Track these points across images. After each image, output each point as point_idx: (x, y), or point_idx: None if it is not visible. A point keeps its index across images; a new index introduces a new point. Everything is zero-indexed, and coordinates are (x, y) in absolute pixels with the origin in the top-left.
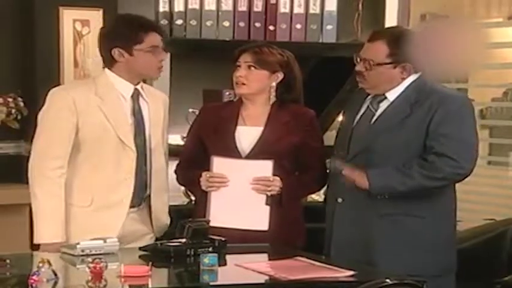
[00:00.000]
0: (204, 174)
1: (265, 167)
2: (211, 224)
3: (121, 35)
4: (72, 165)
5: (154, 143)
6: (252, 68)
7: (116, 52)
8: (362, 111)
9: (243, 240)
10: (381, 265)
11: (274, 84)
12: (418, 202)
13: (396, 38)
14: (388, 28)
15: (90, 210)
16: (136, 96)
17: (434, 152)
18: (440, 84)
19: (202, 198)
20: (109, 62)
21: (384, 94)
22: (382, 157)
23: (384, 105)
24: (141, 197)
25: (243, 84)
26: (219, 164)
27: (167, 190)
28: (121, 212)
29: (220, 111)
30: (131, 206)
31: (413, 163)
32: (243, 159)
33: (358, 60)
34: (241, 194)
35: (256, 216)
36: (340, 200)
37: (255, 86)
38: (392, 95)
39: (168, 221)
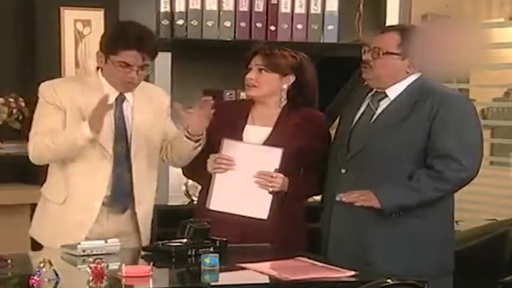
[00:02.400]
0: (211, 155)
1: (274, 154)
2: (211, 207)
3: (105, 41)
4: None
5: (135, 149)
6: (263, 71)
7: (98, 54)
8: (362, 109)
9: (241, 230)
10: (377, 265)
11: (285, 86)
12: None
13: (407, 31)
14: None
15: (62, 208)
16: (120, 101)
17: (438, 155)
18: (441, 84)
19: (207, 185)
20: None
21: (384, 92)
22: (382, 157)
23: (384, 104)
24: (123, 204)
25: (254, 86)
26: (229, 146)
27: (151, 200)
28: (90, 216)
29: (230, 109)
30: (111, 212)
31: (421, 175)
32: (254, 144)
33: (367, 50)
34: (246, 179)
35: (258, 204)
36: (338, 198)
37: (266, 88)
38: (392, 93)
39: (149, 233)
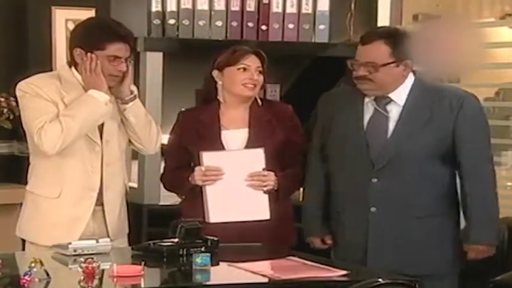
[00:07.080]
0: (197, 168)
1: (256, 155)
2: (212, 221)
3: (86, 37)
4: (41, 156)
5: (108, 136)
6: (260, 72)
7: (77, 52)
8: (369, 115)
9: (237, 233)
10: (423, 264)
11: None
12: (444, 201)
13: (393, 36)
14: (380, 28)
15: (57, 202)
16: None
17: (470, 154)
18: (438, 82)
19: (191, 197)
20: (72, 60)
21: (388, 96)
22: (415, 162)
23: (393, 108)
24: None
25: (255, 86)
26: (210, 158)
27: (121, 189)
28: (87, 207)
29: (199, 115)
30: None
31: (480, 192)
32: (233, 150)
33: (357, 65)
34: (237, 186)
35: (257, 206)
36: (373, 209)
37: (259, 88)
38: (397, 96)
39: (126, 228)
